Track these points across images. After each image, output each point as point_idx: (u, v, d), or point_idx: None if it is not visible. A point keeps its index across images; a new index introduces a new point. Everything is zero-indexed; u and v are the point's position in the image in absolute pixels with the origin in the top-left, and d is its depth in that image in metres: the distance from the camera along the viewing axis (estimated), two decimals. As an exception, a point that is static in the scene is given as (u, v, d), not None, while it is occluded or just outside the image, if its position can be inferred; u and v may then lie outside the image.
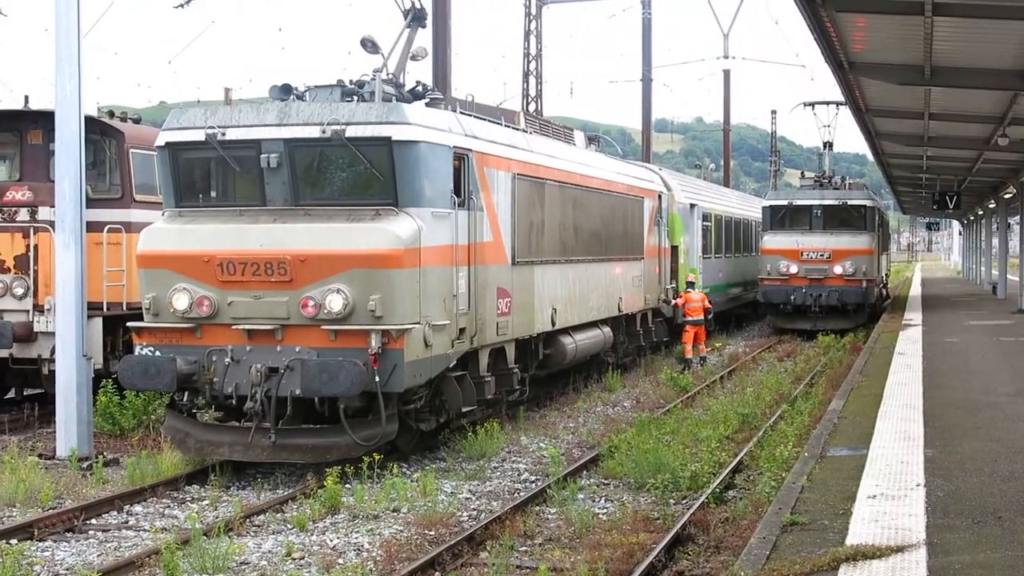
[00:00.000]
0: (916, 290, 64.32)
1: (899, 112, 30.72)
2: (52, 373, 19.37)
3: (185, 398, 17.40)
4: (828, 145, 48.01)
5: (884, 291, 53.74)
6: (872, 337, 33.77)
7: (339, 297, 16.35)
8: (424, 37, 20.64)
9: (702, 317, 32.68)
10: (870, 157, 53.92)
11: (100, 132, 22.21)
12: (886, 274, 56.37)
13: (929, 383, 21.68)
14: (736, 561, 10.56)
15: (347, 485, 16.07)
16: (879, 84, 25.87)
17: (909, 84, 24.86)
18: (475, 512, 15.15)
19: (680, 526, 13.62)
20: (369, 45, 18.81)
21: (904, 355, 26.93)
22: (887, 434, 16.33)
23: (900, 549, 10.25)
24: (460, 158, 18.25)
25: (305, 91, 18.32)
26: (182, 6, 32.29)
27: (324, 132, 16.86)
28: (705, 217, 39.99)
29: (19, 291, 21.42)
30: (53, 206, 19.11)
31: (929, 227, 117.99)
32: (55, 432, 18.63)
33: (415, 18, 19.43)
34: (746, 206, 50.60)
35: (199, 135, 17.40)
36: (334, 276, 16.45)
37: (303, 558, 13.02)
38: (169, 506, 15.71)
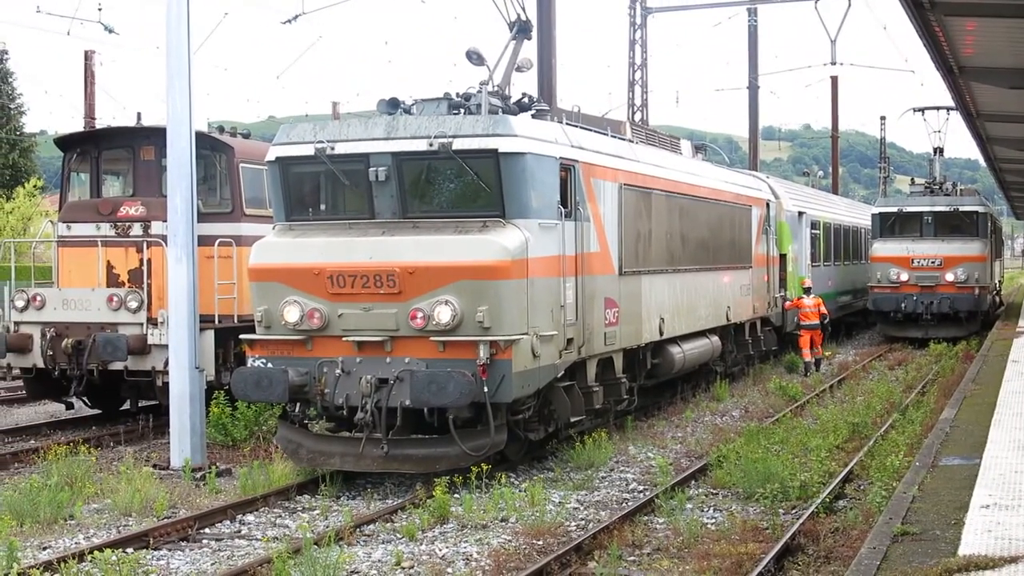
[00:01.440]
0: (1030, 297, 63.32)
1: (1012, 116, 30.26)
2: (166, 385, 19.67)
3: (297, 409, 17.60)
4: (939, 151, 47.41)
5: (997, 298, 52.96)
6: (985, 345, 33.31)
7: (447, 308, 16.45)
8: (529, 48, 20.72)
9: (817, 322, 32.64)
10: (982, 162, 53.22)
11: (211, 147, 22.53)
12: (999, 281, 55.56)
13: (1044, 391, 21.35)
14: (846, 572, 10.50)
15: (456, 495, 16.16)
16: (990, 88, 25.51)
17: (1021, 88, 24.50)
18: (583, 522, 15.17)
19: (789, 536, 13.54)
20: (474, 57, 18.91)
21: (1018, 363, 26.52)
22: (1001, 443, 16.11)
23: (1014, 560, 10.10)
24: (566, 169, 18.29)
25: (412, 104, 18.44)
26: (290, 22, 32.68)
27: (431, 145, 16.97)
28: (814, 225, 39.67)
29: (133, 304, 21.74)
30: (165, 220, 19.42)
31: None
32: (169, 443, 18.94)
33: (520, 30, 19.49)
34: (855, 213, 50.13)
35: (309, 150, 17.60)
36: (442, 288, 16.55)
37: (412, 567, 13.12)
38: (280, 516, 15.89)
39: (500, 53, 19.37)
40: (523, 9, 19.53)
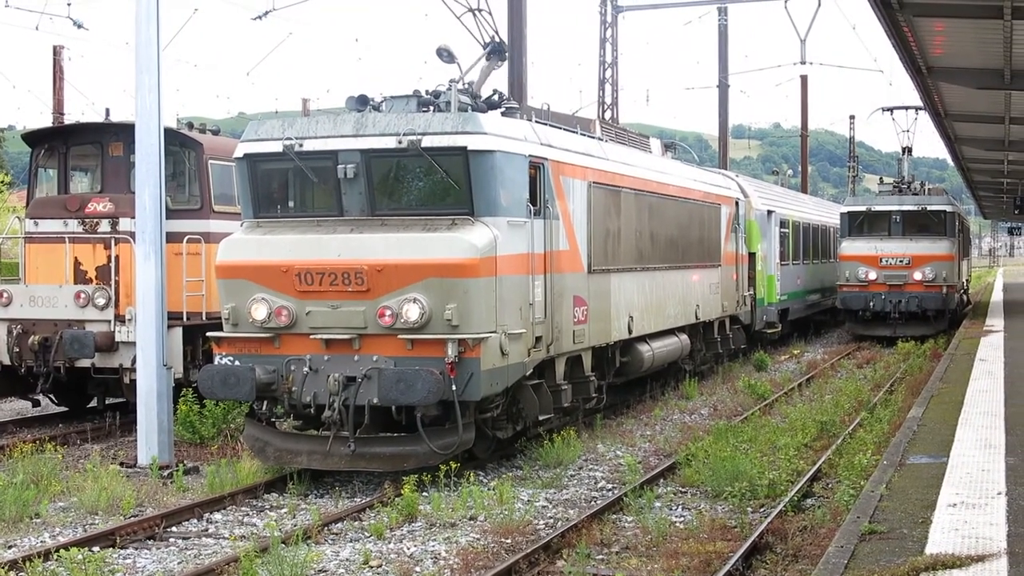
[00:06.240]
0: (998, 296, 63.60)
1: (979, 116, 30.43)
2: (133, 382, 19.57)
3: (264, 407, 17.52)
4: (907, 150, 47.54)
5: (965, 297, 53.18)
6: (952, 344, 33.42)
7: (416, 306, 16.41)
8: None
9: None
10: (950, 162, 53.47)
11: (180, 144, 22.45)
12: (967, 280, 55.79)
13: (1011, 390, 21.43)
14: (814, 570, 10.51)
15: (424, 493, 16.13)
16: (958, 89, 25.65)
17: (989, 88, 24.62)
18: (552, 520, 15.16)
19: (757, 534, 13.56)
20: (445, 55, 18.88)
21: (985, 361, 26.64)
22: (968, 442, 16.17)
23: (980, 558, 10.14)
24: (536, 167, 18.28)
25: (381, 101, 18.42)
26: (260, 18, 32.61)
27: (400, 142, 16.94)
28: (783, 223, 39.78)
29: (101, 301, 21.65)
30: (134, 217, 19.32)
31: (1011, 232, 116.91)
32: (136, 441, 18.82)
33: (494, 51, 19.52)
34: (824, 212, 50.29)
35: (277, 146, 17.53)
36: (411, 285, 16.52)
37: (380, 566, 13.08)
38: (248, 514, 15.83)
39: (473, 64, 19.38)
40: (496, 31, 19.56)
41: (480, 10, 19.23)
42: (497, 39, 19.53)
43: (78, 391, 23.58)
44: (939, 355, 31.92)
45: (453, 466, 16.61)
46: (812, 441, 19.94)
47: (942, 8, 19.23)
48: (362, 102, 18.31)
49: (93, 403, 23.95)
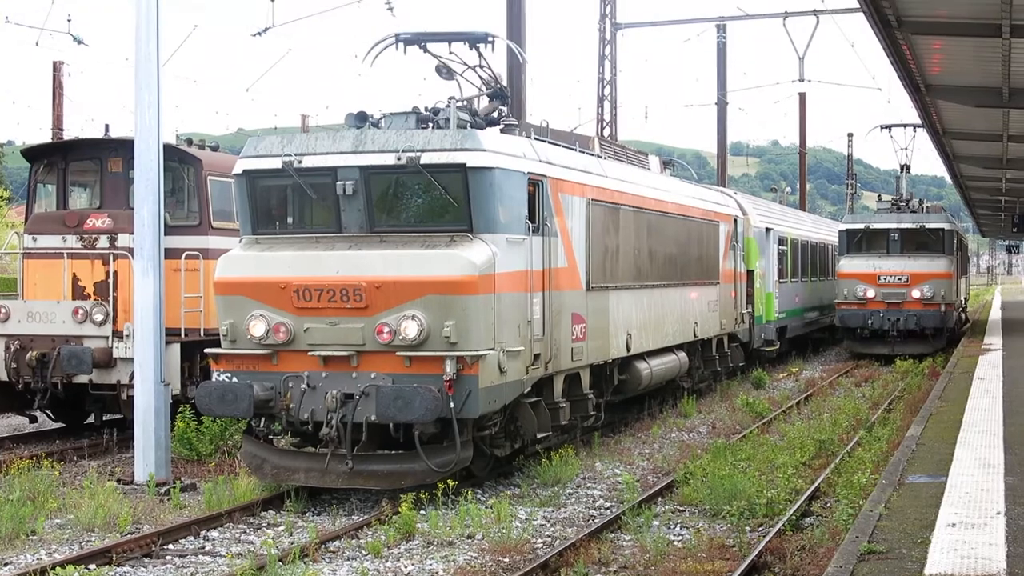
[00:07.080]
0: (996, 314, 63.63)
1: (977, 134, 30.45)
2: (131, 399, 19.52)
3: (262, 424, 17.48)
4: (905, 168, 47.55)
5: (963, 315, 53.17)
6: (951, 362, 33.42)
7: (414, 323, 16.39)
8: (498, 63, 20.75)
9: None
10: (948, 179, 53.49)
11: (179, 160, 22.44)
12: (965, 298, 55.79)
13: (1010, 409, 21.42)
14: (813, 590, 10.49)
15: (421, 511, 16.08)
16: (956, 107, 25.67)
17: (987, 106, 24.64)
18: (549, 539, 15.13)
19: (756, 554, 13.53)
20: (444, 71, 18.91)
21: (984, 380, 26.63)
22: (967, 461, 16.15)
23: (980, 579, 10.12)
24: (534, 184, 18.27)
25: (381, 118, 18.42)
26: (260, 34, 32.63)
27: (399, 159, 16.94)
28: (781, 241, 39.78)
29: (99, 317, 21.62)
30: (132, 233, 19.30)
31: (1009, 250, 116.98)
32: (133, 457, 18.77)
33: (496, 96, 19.57)
34: (822, 230, 50.28)
35: (276, 163, 17.53)
36: (409, 302, 16.50)
37: (378, 584, 13.06)
38: (245, 531, 15.79)
39: (473, 96, 19.42)
40: (497, 79, 19.65)
41: (480, 66, 19.31)
42: (498, 86, 19.60)
43: (75, 407, 23.53)
44: (937, 373, 31.91)
45: (451, 484, 16.57)
46: (810, 460, 19.91)
47: (940, 26, 19.25)
48: (361, 119, 18.30)
49: (90, 419, 23.90)
